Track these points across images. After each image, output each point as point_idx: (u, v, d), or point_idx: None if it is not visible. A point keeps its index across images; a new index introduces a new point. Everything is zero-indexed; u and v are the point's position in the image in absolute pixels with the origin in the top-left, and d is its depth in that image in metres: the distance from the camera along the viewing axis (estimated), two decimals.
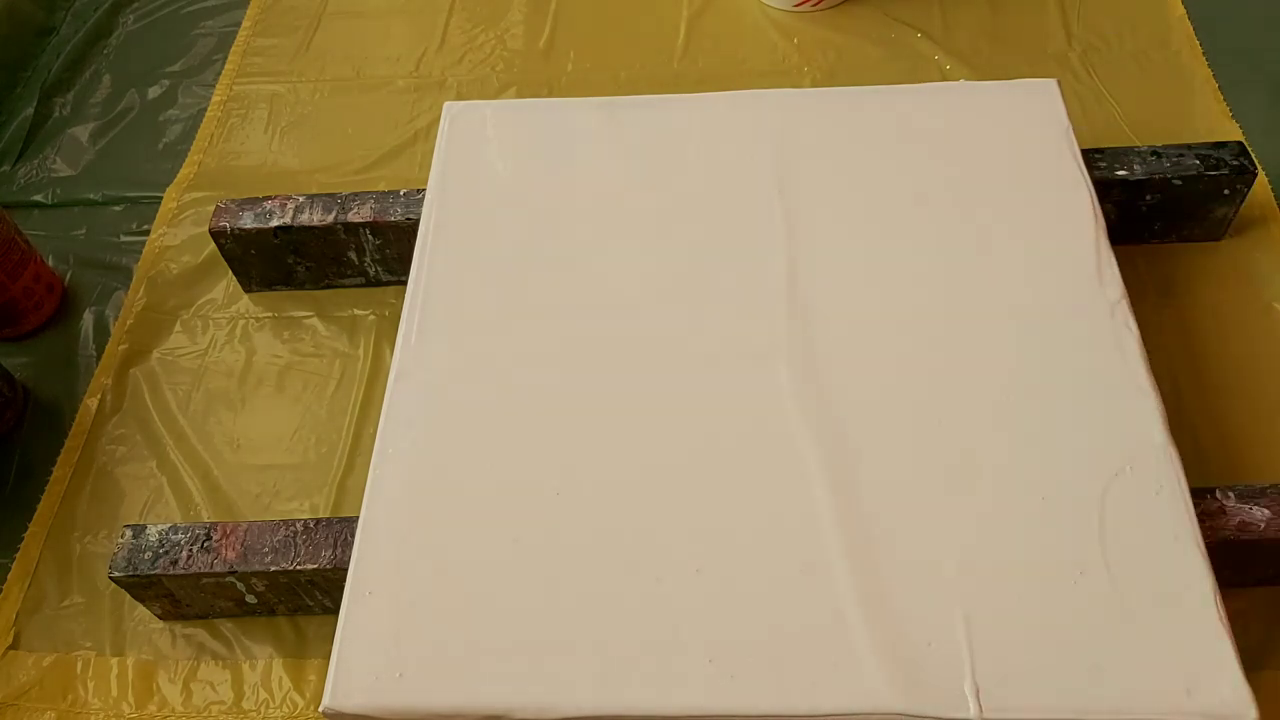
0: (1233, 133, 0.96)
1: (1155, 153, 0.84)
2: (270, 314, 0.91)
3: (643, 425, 0.68)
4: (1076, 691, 0.57)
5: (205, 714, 0.71)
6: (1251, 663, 0.60)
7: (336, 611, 0.62)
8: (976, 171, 0.79)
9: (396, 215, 0.85)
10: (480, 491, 0.66)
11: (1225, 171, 0.83)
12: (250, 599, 0.72)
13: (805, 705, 0.57)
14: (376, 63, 1.11)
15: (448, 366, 0.72)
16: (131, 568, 0.70)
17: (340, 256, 0.89)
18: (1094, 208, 0.76)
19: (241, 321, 0.91)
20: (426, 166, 0.86)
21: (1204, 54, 1.03)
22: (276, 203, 0.87)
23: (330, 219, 0.86)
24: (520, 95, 1.06)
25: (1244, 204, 0.86)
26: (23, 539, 0.80)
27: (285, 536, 0.70)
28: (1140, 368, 0.68)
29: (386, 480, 0.67)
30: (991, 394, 0.68)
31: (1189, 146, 0.84)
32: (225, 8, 1.19)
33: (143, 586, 0.71)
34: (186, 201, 1.00)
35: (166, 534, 0.71)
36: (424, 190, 0.83)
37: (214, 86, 1.11)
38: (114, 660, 0.74)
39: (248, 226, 0.86)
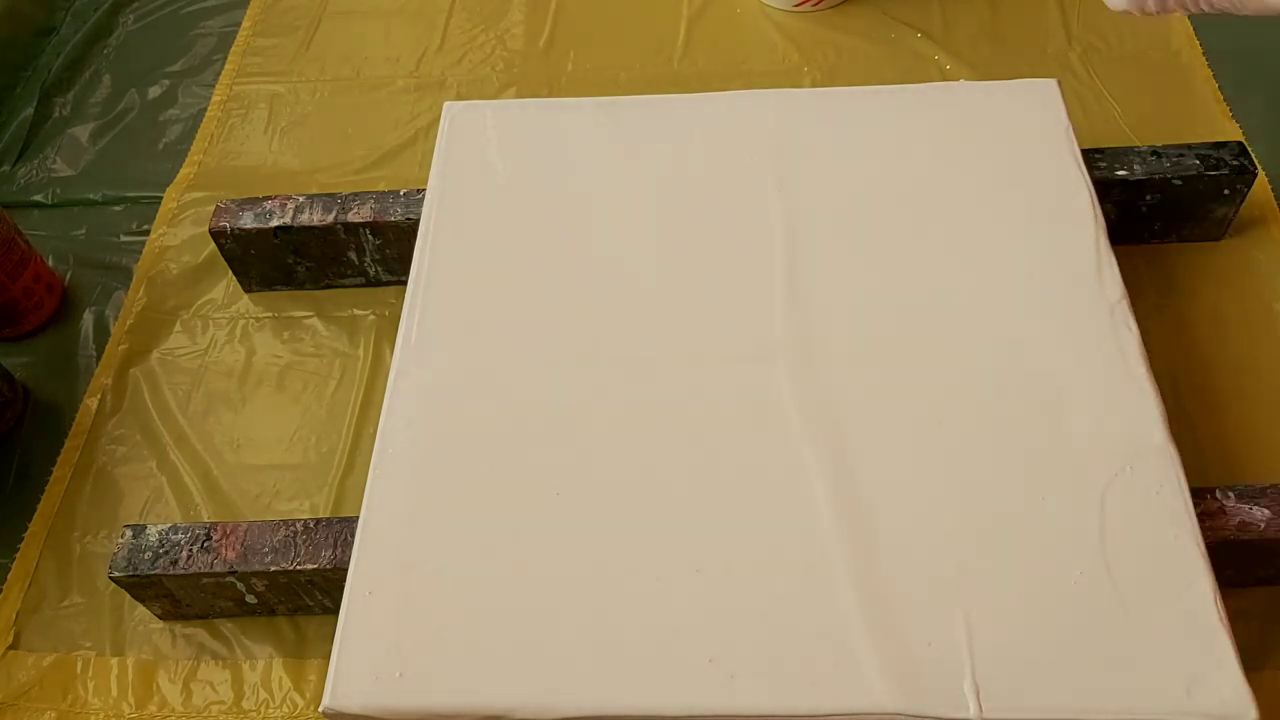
0: (1233, 133, 0.96)
1: (1155, 153, 0.84)
2: (270, 314, 0.91)
3: (642, 425, 0.68)
4: (1076, 691, 0.57)
5: (205, 714, 0.71)
6: (1251, 663, 0.60)
7: (336, 611, 0.62)
8: (976, 171, 0.79)
9: (396, 215, 0.85)
10: (480, 491, 0.66)
11: (1225, 171, 0.83)
12: (250, 599, 0.72)
13: (805, 705, 0.57)
14: (376, 63, 1.11)
15: (448, 366, 0.72)
16: (131, 568, 0.70)
17: (340, 256, 0.89)
18: (1094, 208, 0.76)
19: (241, 321, 0.91)
20: (426, 166, 0.86)
21: (1204, 54, 1.03)
22: (276, 203, 0.87)
23: (330, 219, 0.86)
24: (520, 95, 1.06)
25: (1244, 204, 0.86)
26: (23, 539, 0.80)
27: (285, 536, 0.70)
28: (1140, 368, 0.68)
29: (386, 480, 0.67)
30: (991, 394, 0.68)
31: (1189, 146, 0.84)
32: (225, 8, 1.19)
33: (143, 586, 0.71)
34: (186, 201, 1.00)
35: (166, 534, 0.71)
36: (424, 190, 0.83)
37: (214, 86, 1.11)
38: (114, 660, 0.74)
39: (248, 226, 0.86)
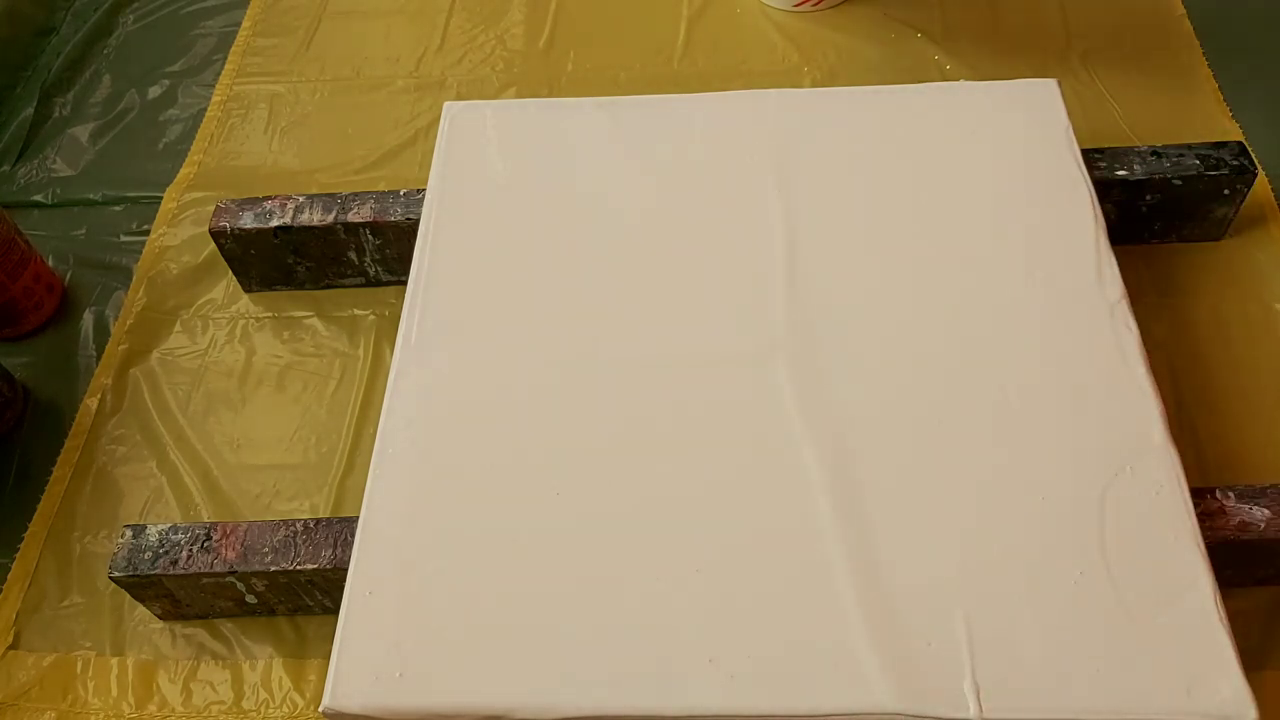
0: (1233, 133, 0.96)
1: (1155, 153, 0.84)
2: (270, 314, 0.91)
3: (642, 425, 0.68)
4: (1076, 691, 0.57)
5: (205, 714, 0.71)
6: (1251, 663, 0.60)
7: (336, 611, 0.62)
8: (976, 171, 0.79)
9: (396, 215, 0.85)
10: (480, 491, 0.66)
11: (1225, 171, 0.83)
12: (250, 599, 0.72)
13: (805, 705, 0.57)
14: (376, 63, 1.11)
15: (448, 366, 0.72)
16: (131, 568, 0.70)
17: (340, 256, 0.89)
18: (1094, 208, 0.76)
19: (241, 321, 0.91)
20: (426, 166, 0.86)
21: (1204, 54, 1.03)
22: (276, 203, 0.87)
23: (330, 219, 0.86)
24: (520, 95, 1.06)
25: (1244, 204, 0.86)
26: (23, 539, 0.80)
27: (285, 536, 0.70)
28: (1140, 368, 0.68)
29: (386, 480, 0.67)
30: (991, 394, 0.68)
31: (1189, 146, 0.85)
32: (225, 8, 1.19)
33: (143, 586, 0.71)
34: (186, 201, 1.00)
35: (166, 534, 0.71)
36: (424, 190, 0.83)
37: (214, 86, 1.11)
38: (114, 660, 0.74)
39: (248, 226, 0.86)
